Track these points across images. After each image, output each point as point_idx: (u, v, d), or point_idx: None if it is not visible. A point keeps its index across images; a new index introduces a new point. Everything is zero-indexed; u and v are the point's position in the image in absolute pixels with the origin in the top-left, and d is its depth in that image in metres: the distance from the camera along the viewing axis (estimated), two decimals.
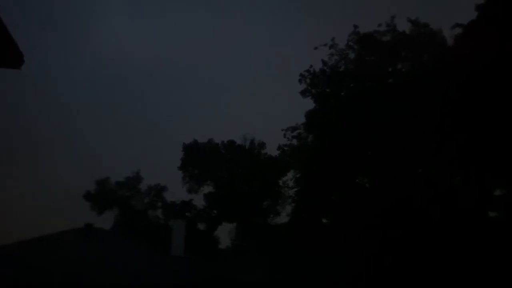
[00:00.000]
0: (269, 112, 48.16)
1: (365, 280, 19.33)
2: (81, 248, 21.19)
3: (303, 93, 25.15)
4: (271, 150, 34.91)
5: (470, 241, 18.41)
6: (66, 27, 61.87)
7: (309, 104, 25.28)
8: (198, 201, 37.20)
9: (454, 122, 18.99)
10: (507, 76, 17.06)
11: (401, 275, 19.04)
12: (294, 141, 25.80)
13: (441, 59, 21.11)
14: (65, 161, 46.80)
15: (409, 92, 22.16)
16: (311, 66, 24.99)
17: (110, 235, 27.93)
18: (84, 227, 23.63)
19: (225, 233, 37.18)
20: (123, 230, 32.24)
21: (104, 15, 62.46)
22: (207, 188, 37.44)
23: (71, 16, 63.71)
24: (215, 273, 21.19)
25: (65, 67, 59.96)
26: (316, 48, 24.61)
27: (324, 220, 25.46)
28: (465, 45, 18.97)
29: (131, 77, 60.54)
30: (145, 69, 61.90)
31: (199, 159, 37.15)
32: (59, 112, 55.51)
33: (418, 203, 19.47)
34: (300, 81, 25.12)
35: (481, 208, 19.91)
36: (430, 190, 19.73)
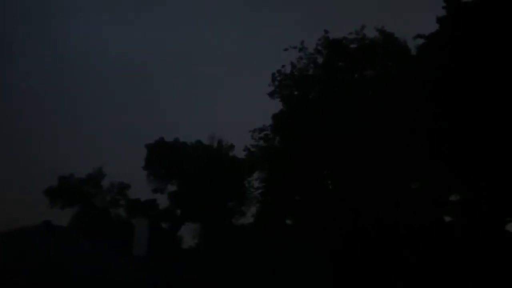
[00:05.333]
0: (239, 113, 48.35)
1: (328, 279, 19.72)
2: (38, 246, 20.53)
3: (271, 94, 25.38)
4: (239, 151, 34.95)
5: (427, 243, 19.14)
6: (23, 21, 59.79)
7: (278, 105, 25.58)
8: (163, 200, 36.69)
9: (413, 127, 19.67)
10: (464, 85, 17.87)
11: (364, 273, 19.54)
12: (261, 142, 25.99)
13: (404, 67, 21.86)
14: (27, 157, 45.28)
15: (374, 99, 22.79)
16: (283, 66, 25.24)
17: (70, 232, 27.16)
18: (42, 224, 22.94)
19: (189, 233, 36.87)
20: (83, 228, 31.40)
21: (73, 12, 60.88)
22: (172, 187, 36.99)
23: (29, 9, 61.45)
24: (177, 273, 21.03)
25: (29, 61, 58.11)
26: (286, 49, 24.93)
27: (288, 221, 25.74)
28: (427, 55, 19.72)
29: (98, 73, 59.23)
30: (113, 67, 60.76)
31: (165, 158, 36.65)
32: (21, 106, 53.57)
33: (378, 206, 20.04)
34: (272, 80, 25.31)
35: (437, 212, 20.74)
36: (389, 193, 20.36)
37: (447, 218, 21.49)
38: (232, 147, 37.82)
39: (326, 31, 25.01)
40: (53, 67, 58.30)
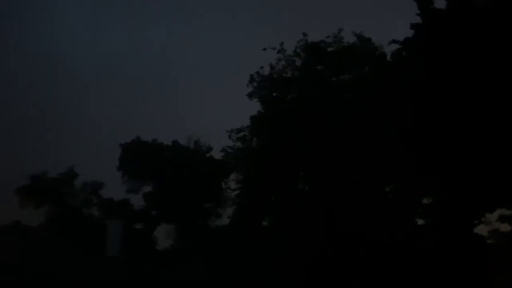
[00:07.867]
0: (219, 114, 48.27)
1: (304, 281, 19.88)
2: (8, 247, 19.98)
3: (250, 95, 25.46)
4: (217, 152, 34.84)
5: (400, 245, 19.56)
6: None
7: (256, 106, 25.65)
8: (138, 200, 36.21)
9: (389, 131, 20.06)
10: (438, 91, 18.36)
11: (339, 275, 19.77)
12: (239, 143, 26.01)
13: (381, 72, 22.28)
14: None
15: (351, 102, 23.14)
16: (262, 67, 25.34)
17: (41, 233, 26.55)
18: (11, 224, 22.35)
19: (163, 234, 36.49)
20: (56, 228, 30.74)
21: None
22: (148, 188, 36.57)
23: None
24: (151, 274, 20.83)
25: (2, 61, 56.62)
26: (264, 49, 25.04)
27: (264, 223, 25.81)
28: (402, 60, 20.17)
29: (73, 71, 58.09)
30: (88, 64, 59.72)
31: (141, 158, 36.20)
32: None
33: (353, 209, 20.33)
34: (250, 81, 25.39)
35: (410, 215, 21.22)
36: (364, 196, 20.69)
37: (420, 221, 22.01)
38: (209, 148, 37.67)
39: (304, 34, 25.28)
40: (25, 65, 56.95)
